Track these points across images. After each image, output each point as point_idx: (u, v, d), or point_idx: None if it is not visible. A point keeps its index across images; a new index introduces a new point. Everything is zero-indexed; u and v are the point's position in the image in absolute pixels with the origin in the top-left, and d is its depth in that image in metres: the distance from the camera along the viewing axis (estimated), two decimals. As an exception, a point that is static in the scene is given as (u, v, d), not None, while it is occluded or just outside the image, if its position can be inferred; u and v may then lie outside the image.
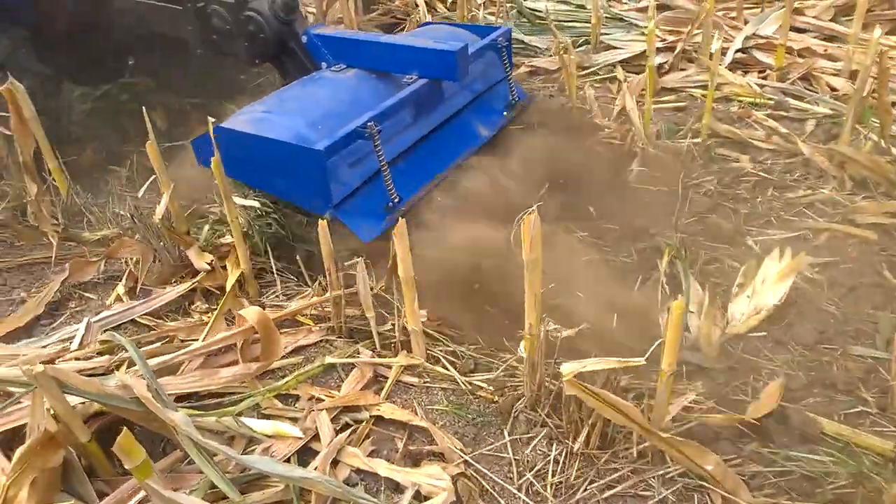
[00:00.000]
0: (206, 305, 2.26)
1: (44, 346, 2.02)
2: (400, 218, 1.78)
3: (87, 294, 2.35)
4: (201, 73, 3.44)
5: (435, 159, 2.70)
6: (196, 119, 3.25)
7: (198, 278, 2.29)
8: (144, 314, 2.17)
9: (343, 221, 2.26)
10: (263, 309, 2.02)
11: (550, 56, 4.02)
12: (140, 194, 2.75)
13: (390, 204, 2.38)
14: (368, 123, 2.32)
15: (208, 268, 2.32)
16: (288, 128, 2.35)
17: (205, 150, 2.34)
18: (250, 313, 1.82)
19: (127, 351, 1.76)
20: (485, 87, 3.05)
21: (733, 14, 4.16)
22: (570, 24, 4.31)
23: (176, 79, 3.52)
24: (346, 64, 2.82)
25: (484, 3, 4.69)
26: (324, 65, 2.87)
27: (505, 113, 3.07)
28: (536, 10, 4.46)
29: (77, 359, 1.83)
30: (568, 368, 1.48)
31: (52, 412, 1.45)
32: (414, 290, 1.84)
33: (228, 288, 2.18)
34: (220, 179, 2.09)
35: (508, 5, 4.33)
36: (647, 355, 1.48)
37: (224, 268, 2.34)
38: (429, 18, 4.37)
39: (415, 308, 1.87)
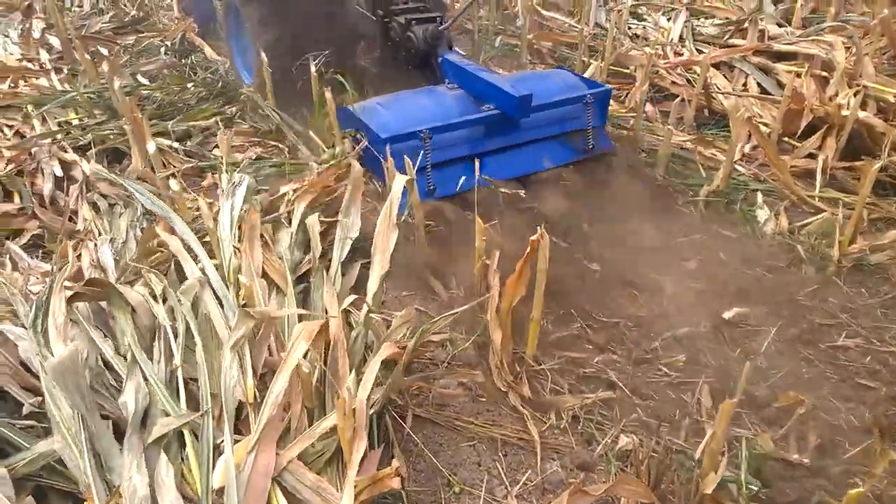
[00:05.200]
0: None
1: None
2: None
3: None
4: (383, 65, 4.50)
5: (491, 171, 3.30)
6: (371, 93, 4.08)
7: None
8: None
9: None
10: None
11: None
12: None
13: (428, 189, 3.21)
14: (423, 130, 3.16)
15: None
16: (382, 118, 3.33)
17: (341, 118, 3.69)
18: None
19: None
20: (568, 130, 3.70)
21: None
22: None
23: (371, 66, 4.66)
24: (457, 84, 3.75)
25: None
26: (447, 81, 3.84)
27: (579, 156, 3.71)
28: None
29: None
30: None
31: None
32: None
33: None
34: None
35: None
36: None
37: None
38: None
39: None
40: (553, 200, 3.52)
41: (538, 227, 2.27)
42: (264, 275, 2.76)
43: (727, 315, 2.91)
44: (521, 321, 2.52)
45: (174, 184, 3.02)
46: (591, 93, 3.67)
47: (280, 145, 4.32)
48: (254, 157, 4.16)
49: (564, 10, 6.49)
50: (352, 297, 2.33)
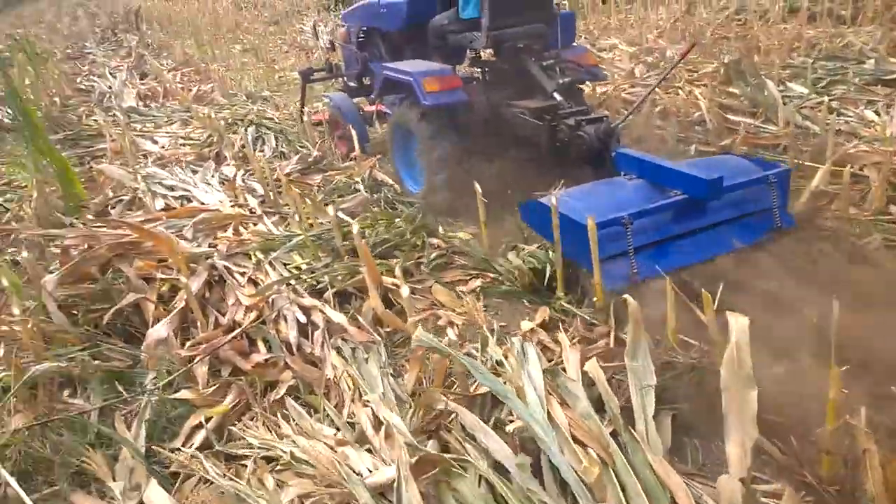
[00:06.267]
0: None
1: None
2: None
3: None
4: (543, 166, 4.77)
5: (686, 253, 3.56)
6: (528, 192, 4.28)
7: None
8: None
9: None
10: None
11: None
12: None
13: (632, 272, 3.39)
14: (624, 217, 3.43)
15: None
16: (575, 208, 3.49)
17: (526, 212, 3.99)
18: None
19: None
20: (753, 210, 3.78)
21: None
22: None
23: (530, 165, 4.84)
24: (636, 175, 3.96)
25: None
26: (622, 173, 4.06)
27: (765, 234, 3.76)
28: None
29: None
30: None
31: None
32: None
33: None
34: None
35: None
36: None
37: None
38: None
39: None
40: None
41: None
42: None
43: None
44: None
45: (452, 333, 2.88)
46: (774, 173, 3.80)
47: (498, 276, 4.20)
48: (479, 288, 4.07)
49: (744, 111, 6.25)
50: (737, 483, 1.99)
